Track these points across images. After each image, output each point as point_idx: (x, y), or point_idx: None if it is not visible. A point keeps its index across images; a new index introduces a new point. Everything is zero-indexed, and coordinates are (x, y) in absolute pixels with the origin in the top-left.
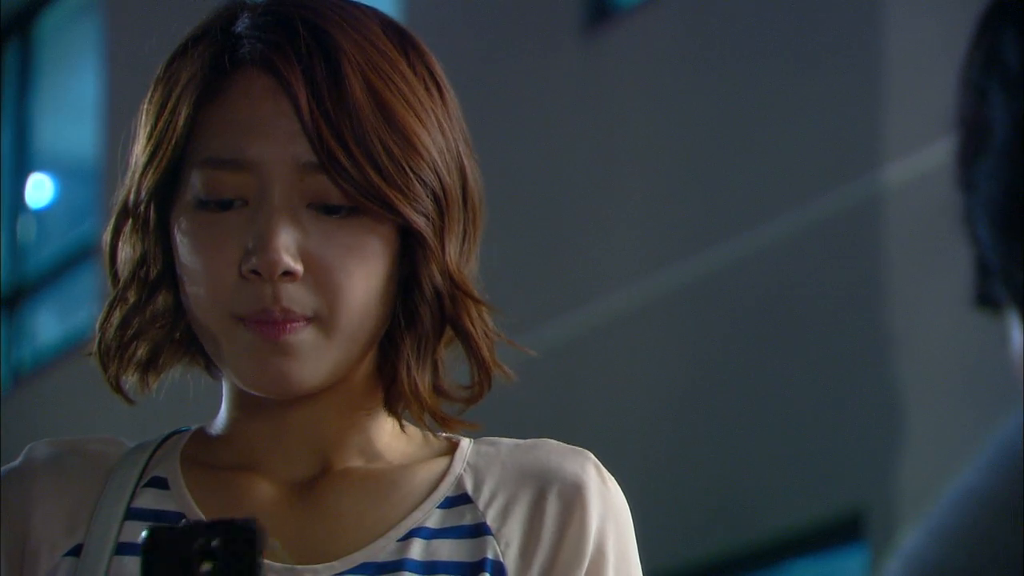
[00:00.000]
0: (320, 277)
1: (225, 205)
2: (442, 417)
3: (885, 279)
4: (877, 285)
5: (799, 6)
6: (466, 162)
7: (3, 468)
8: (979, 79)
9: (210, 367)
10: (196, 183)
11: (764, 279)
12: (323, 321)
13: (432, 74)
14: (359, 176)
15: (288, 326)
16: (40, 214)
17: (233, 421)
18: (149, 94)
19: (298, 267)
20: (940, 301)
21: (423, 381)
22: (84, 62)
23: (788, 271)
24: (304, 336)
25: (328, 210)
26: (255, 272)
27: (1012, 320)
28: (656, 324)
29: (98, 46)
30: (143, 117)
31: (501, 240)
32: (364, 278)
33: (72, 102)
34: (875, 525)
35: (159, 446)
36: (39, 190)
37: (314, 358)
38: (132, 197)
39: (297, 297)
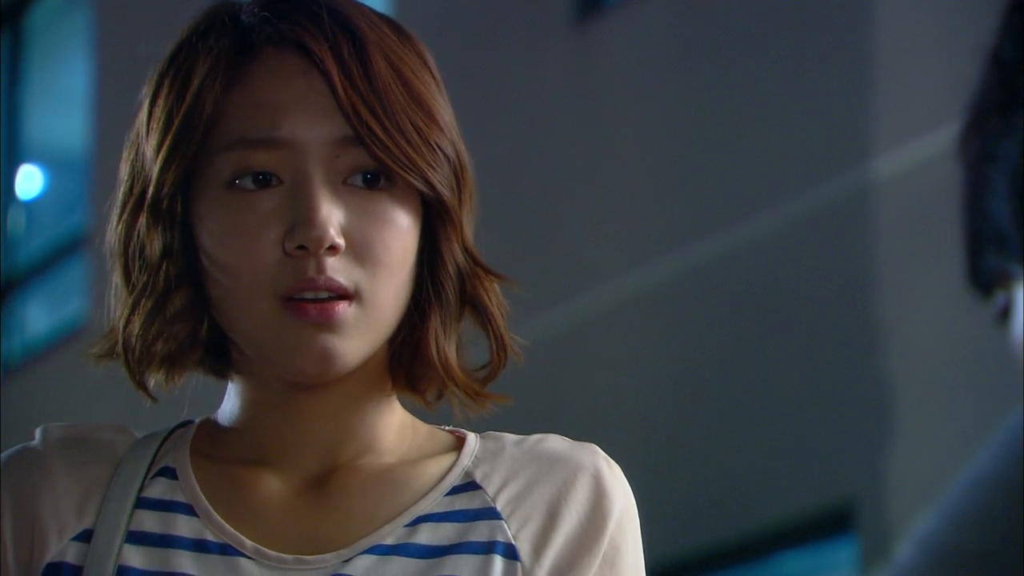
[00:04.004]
0: (360, 251)
1: (260, 184)
2: (474, 391)
3: (875, 271)
4: (867, 277)
5: None
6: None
7: (16, 447)
8: (1012, 54)
9: (219, 366)
10: (225, 167)
11: (754, 271)
12: (363, 295)
13: (427, 64)
14: (395, 148)
15: (335, 308)
16: (30, 205)
17: (243, 414)
18: (153, 91)
19: (341, 241)
20: (930, 293)
21: (452, 354)
22: (74, 53)
23: (778, 263)
24: (348, 314)
25: (364, 183)
26: (301, 247)
27: (1020, 296)
28: (646, 317)
29: (88, 38)
30: (149, 114)
31: (489, 233)
32: (400, 251)
33: (62, 93)
34: (865, 516)
35: (167, 437)
36: (29, 181)
37: (357, 335)
38: (152, 191)
39: (340, 268)
